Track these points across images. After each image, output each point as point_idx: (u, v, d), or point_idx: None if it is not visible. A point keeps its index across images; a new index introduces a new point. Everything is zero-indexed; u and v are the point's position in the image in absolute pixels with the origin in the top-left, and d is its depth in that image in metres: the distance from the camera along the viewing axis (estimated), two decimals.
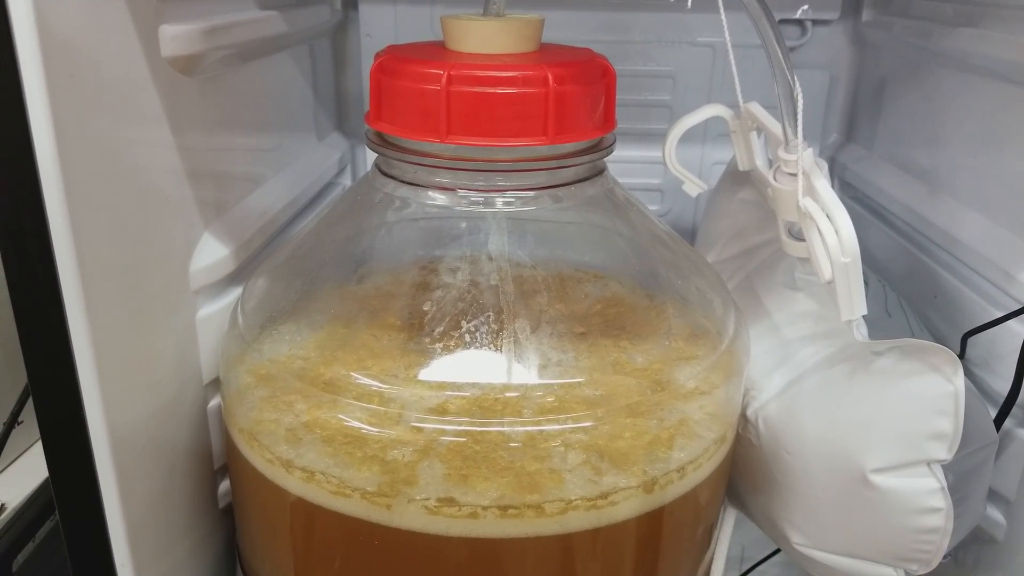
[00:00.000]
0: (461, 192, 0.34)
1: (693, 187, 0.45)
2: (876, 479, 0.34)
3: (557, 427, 0.31)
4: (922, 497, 0.34)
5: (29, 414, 0.51)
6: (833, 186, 0.65)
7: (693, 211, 0.66)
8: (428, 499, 0.30)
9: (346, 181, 0.65)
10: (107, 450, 0.31)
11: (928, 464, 0.34)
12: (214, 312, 0.38)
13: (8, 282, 0.28)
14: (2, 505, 0.51)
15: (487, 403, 0.31)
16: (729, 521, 0.43)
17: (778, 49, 0.33)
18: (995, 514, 0.42)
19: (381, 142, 0.35)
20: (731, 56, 0.40)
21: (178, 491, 0.37)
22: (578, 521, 0.31)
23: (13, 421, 0.50)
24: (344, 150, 0.64)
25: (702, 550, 0.39)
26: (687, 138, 0.44)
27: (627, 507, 0.32)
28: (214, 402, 0.39)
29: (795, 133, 0.34)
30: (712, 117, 0.43)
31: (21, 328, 0.29)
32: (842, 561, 0.38)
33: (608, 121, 0.35)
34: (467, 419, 0.31)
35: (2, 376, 0.53)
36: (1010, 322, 0.40)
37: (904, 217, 0.54)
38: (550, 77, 0.31)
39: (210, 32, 0.36)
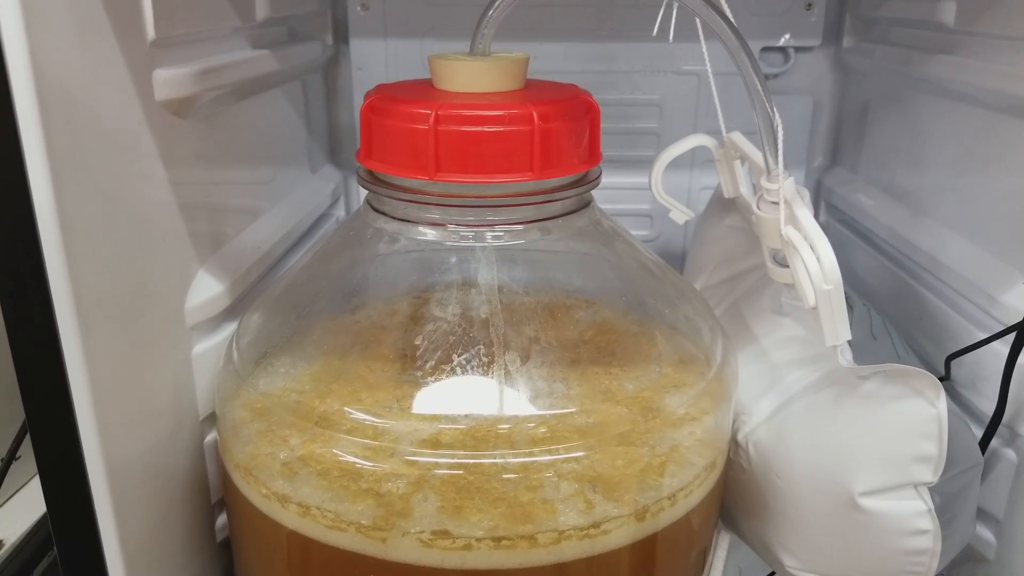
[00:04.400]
0: (451, 227, 0.35)
1: (680, 215, 0.46)
2: (864, 502, 0.35)
3: (549, 457, 0.31)
4: (910, 519, 0.35)
5: (26, 449, 0.51)
6: (819, 209, 0.66)
7: (683, 236, 0.67)
8: (423, 532, 0.31)
9: (340, 212, 0.66)
10: (105, 485, 0.31)
11: (915, 487, 0.34)
12: (210, 348, 0.39)
13: (5, 319, 0.28)
14: (0, 541, 0.51)
15: (480, 434, 0.32)
16: (723, 544, 0.43)
17: (757, 83, 0.34)
18: (985, 533, 0.43)
19: (372, 179, 0.36)
20: (713, 87, 0.41)
21: (175, 525, 0.38)
22: (571, 551, 0.31)
23: (11, 456, 0.51)
24: (337, 182, 0.64)
25: (696, 574, 0.39)
26: (675, 164, 0.45)
27: (620, 535, 0.32)
28: (210, 437, 0.39)
29: (776, 163, 0.34)
30: (697, 145, 0.44)
31: (18, 364, 0.29)
32: None
33: (593, 155, 0.36)
34: (460, 451, 0.31)
35: (0, 411, 0.53)
36: (994, 343, 0.41)
37: (889, 240, 0.55)
38: (535, 115, 0.32)
39: (203, 74, 0.36)
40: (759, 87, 0.34)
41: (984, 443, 0.40)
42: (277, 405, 0.34)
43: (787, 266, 0.35)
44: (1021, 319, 0.39)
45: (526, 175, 0.33)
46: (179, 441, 0.37)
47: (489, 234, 0.35)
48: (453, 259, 0.36)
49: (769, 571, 0.44)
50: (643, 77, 0.63)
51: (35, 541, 0.49)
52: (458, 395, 0.33)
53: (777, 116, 0.34)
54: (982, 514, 0.42)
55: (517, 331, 0.35)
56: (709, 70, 0.41)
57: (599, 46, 0.62)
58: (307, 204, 0.56)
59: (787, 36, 0.61)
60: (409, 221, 0.35)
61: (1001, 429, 0.41)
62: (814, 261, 0.33)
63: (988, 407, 0.41)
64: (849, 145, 0.64)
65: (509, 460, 0.31)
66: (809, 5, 0.61)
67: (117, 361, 0.32)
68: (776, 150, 0.34)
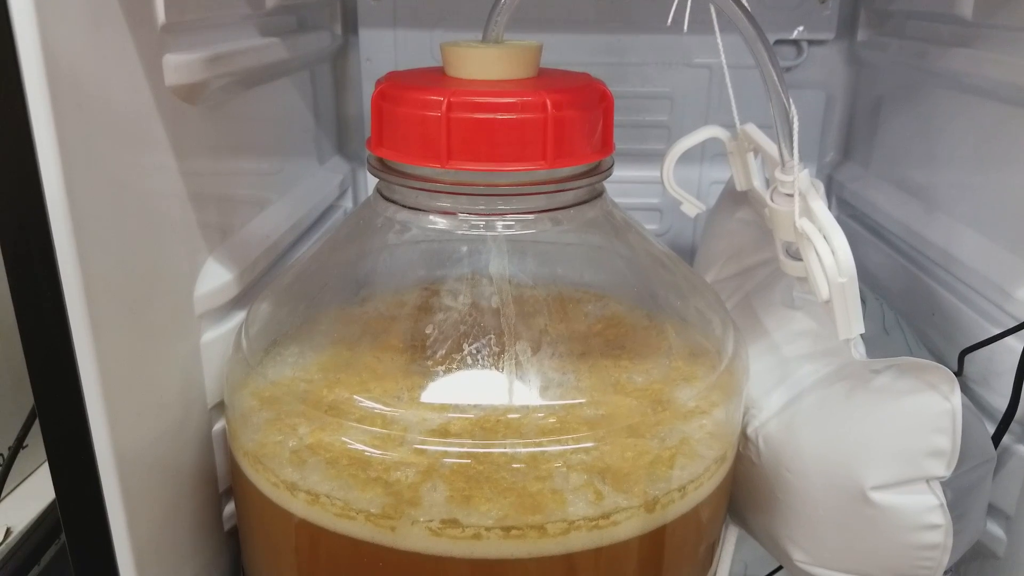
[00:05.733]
0: (462, 216, 0.34)
1: (691, 207, 0.46)
2: (876, 496, 0.34)
3: (559, 448, 0.31)
4: (921, 514, 0.34)
5: (33, 437, 0.51)
6: (830, 204, 0.66)
7: (692, 230, 0.67)
8: (432, 520, 0.30)
9: (347, 204, 0.65)
10: (113, 473, 0.31)
11: (927, 481, 0.34)
12: (218, 336, 0.38)
13: (15, 307, 0.28)
14: (8, 529, 0.51)
15: (489, 424, 0.32)
16: (731, 538, 0.43)
17: (773, 72, 0.33)
18: (995, 529, 0.43)
19: (382, 168, 0.36)
20: (727, 78, 0.41)
21: (184, 514, 0.37)
22: (580, 541, 0.31)
23: (18, 445, 0.51)
24: (345, 173, 0.64)
25: (704, 568, 0.39)
26: (685, 158, 0.45)
27: (629, 527, 0.32)
28: (219, 425, 0.39)
29: (791, 154, 0.34)
30: (709, 138, 0.44)
31: (28, 352, 0.29)
32: None
33: (606, 145, 0.35)
34: (469, 440, 0.31)
35: (7, 400, 0.53)
36: (1007, 339, 0.41)
37: (901, 235, 0.54)
38: (548, 103, 0.32)
39: (213, 61, 0.36)
40: (775, 77, 0.33)
41: (996, 439, 0.40)
42: (286, 393, 0.34)
43: (800, 259, 0.35)
44: None
45: (538, 164, 0.33)
46: (187, 429, 0.37)
47: (500, 223, 0.34)
48: (464, 248, 0.36)
49: (776, 566, 0.44)
50: (654, 70, 0.63)
51: (43, 529, 0.49)
52: (468, 385, 0.33)
53: (793, 106, 0.33)
54: (993, 510, 0.42)
55: (527, 322, 0.35)
56: (724, 61, 0.41)
57: (610, 38, 0.62)
58: (315, 195, 0.56)
59: (800, 29, 0.61)
60: (420, 210, 0.35)
61: (1013, 426, 0.40)
62: (829, 254, 0.33)
63: (1000, 403, 0.41)
64: (861, 140, 0.64)
65: (518, 450, 0.31)
66: None
67: (126, 349, 0.32)
68: (791, 141, 0.34)
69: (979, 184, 0.48)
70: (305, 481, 0.32)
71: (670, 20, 0.37)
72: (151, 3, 0.32)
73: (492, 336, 0.34)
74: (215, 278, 0.38)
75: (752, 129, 0.42)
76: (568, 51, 0.62)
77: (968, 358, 0.44)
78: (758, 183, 0.44)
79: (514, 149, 0.32)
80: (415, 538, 0.31)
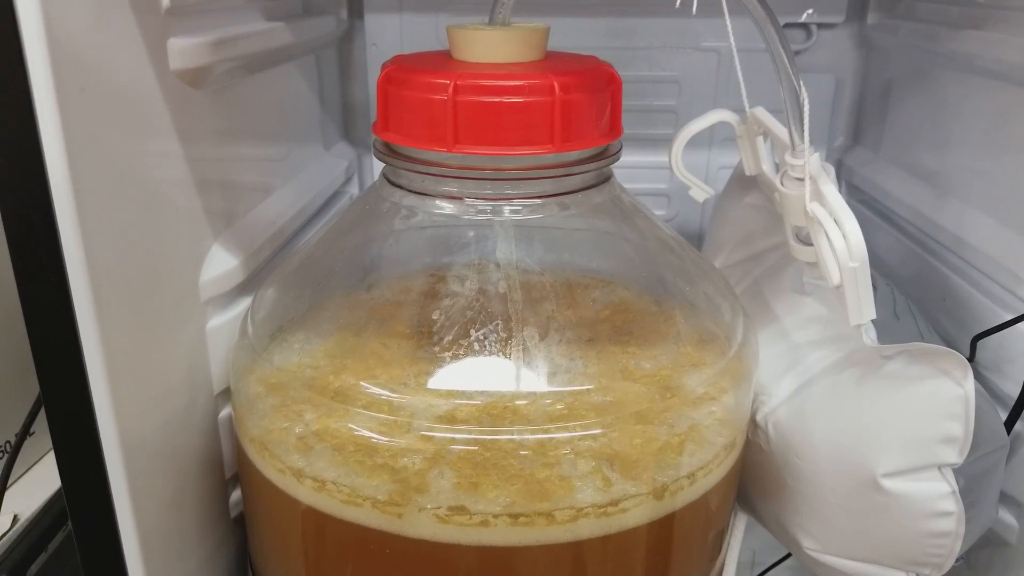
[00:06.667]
0: (468, 201, 0.34)
1: (700, 192, 0.45)
2: (887, 483, 0.34)
3: (566, 434, 0.31)
4: (933, 501, 0.34)
5: (40, 425, 0.51)
6: (840, 189, 0.65)
7: (700, 216, 0.66)
8: (439, 507, 0.30)
9: (353, 190, 0.65)
10: (119, 460, 0.31)
11: (939, 468, 0.34)
12: (224, 322, 0.38)
13: (20, 294, 0.28)
14: (15, 516, 0.51)
15: (496, 411, 0.31)
16: (740, 526, 0.43)
17: (783, 54, 0.33)
18: (1007, 517, 0.42)
19: (388, 152, 0.35)
20: (736, 61, 0.41)
21: (190, 501, 0.37)
22: (589, 528, 0.31)
23: (25, 432, 0.51)
24: (351, 159, 0.64)
25: (713, 555, 0.39)
26: (693, 143, 0.44)
27: (637, 514, 0.32)
28: (225, 412, 0.39)
29: (801, 138, 0.34)
30: (718, 122, 0.43)
31: (33, 340, 0.29)
32: (854, 566, 0.38)
33: (614, 128, 0.35)
34: (476, 427, 0.31)
35: (14, 387, 0.53)
36: (1019, 325, 0.40)
37: (912, 220, 0.54)
38: (556, 86, 0.32)
39: (217, 44, 0.36)
40: (785, 59, 0.33)
41: (1009, 426, 0.39)
42: (292, 380, 0.34)
43: (810, 244, 0.35)
44: None
45: (546, 147, 0.32)
46: (193, 416, 0.37)
47: (507, 208, 0.34)
48: (470, 234, 0.35)
49: (786, 553, 0.43)
50: (662, 54, 0.62)
51: (49, 516, 0.49)
52: (475, 371, 0.33)
53: (803, 89, 0.33)
54: (1005, 498, 0.42)
55: (535, 307, 0.34)
56: (733, 44, 0.40)
57: (617, 21, 0.61)
58: (320, 181, 0.56)
59: (810, 12, 0.60)
60: (426, 194, 0.35)
61: None
62: (840, 238, 0.32)
63: (1013, 390, 0.40)
64: (871, 124, 0.63)
65: (526, 437, 0.31)
66: None
67: (131, 335, 0.31)
68: (801, 124, 0.33)
69: (991, 168, 0.47)
70: (311, 468, 0.32)
71: (678, 3, 0.37)
72: None
73: (499, 322, 0.33)
74: (221, 264, 0.38)
75: (761, 113, 0.42)
76: (575, 35, 0.61)
77: (980, 344, 0.43)
78: (767, 167, 0.44)
79: (521, 133, 0.32)
80: (422, 525, 0.31)
